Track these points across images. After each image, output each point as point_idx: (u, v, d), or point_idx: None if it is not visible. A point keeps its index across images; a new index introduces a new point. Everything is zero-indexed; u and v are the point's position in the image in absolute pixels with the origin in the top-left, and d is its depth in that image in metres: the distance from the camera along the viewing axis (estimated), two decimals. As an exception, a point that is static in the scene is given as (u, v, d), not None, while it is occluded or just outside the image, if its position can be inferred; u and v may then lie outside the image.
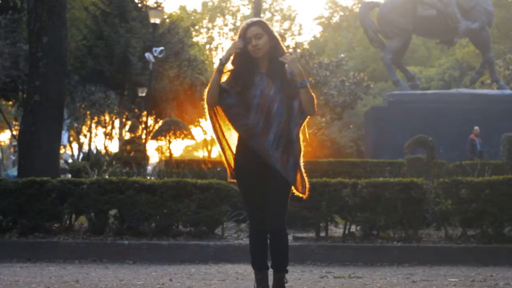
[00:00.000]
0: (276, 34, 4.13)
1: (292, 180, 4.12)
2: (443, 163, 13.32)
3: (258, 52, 4.07)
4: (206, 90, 4.14)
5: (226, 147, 4.25)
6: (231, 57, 4.12)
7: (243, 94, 4.09)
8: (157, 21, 23.72)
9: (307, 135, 4.27)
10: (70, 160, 26.61)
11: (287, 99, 4.09)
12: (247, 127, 4.09)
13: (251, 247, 4.25)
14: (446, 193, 6.99)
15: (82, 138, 47.66)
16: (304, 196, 4.26)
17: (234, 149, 4.22)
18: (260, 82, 4.10)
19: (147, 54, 23.45)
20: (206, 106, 4.17)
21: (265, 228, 4.15)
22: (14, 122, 37.68)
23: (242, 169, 4.16)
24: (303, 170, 4.20)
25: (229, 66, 4.15)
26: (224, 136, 4.25)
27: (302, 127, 4.18)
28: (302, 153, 4.18)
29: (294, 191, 4.25)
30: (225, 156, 4.25)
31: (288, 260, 4.21)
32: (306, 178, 4.23)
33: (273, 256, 4.17)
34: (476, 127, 18.64)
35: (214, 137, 4.29)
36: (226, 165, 4.25)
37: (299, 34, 63.57)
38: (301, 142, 4.20)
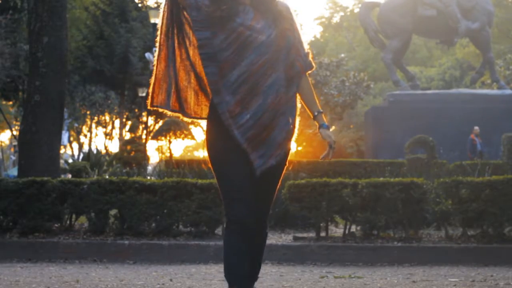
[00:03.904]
0: None
1: (259, 166, 3.09)
2: (443, 163, 13.33)
3: None
4: None
5: (162, 67, 3.26)
6: None
7: (221, 20, 3.12)
8: (158, 21, 23.74)
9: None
10: (70, 160, 26.61)
11: (281, 38, 3.19)
12: (207, 42, 3.11)
13: (231, 250, 3.15)
14: (447, 193, 6.99)
15: (82, 138, 47.74)
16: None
17: (173, 76, 3.24)
18: (243, 12, 3.16)
19: (147, 54, 23.50)
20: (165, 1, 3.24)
21: (253, 220, 3.14)
22: (14, 122, 37.72)
23: (218, 138, 3.16)
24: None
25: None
26: (172, 50, 3.25)
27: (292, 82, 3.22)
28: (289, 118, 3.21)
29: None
30: (156, 71, 3.26)
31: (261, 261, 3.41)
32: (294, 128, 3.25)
33: (251, 253, 3.24)
34: (476, 127, 18.64)
35: (157, 42, 3.27)
36: (151, 88, 3.25)
37: (299, 34, 63.49)
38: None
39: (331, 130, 3.37)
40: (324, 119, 3.28)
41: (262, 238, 3.34)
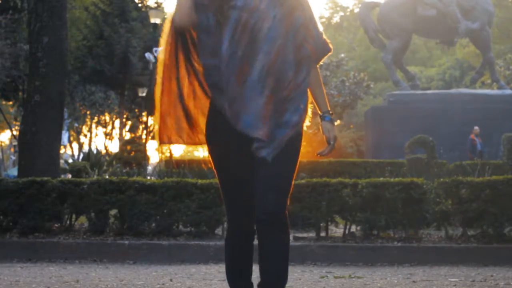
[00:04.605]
0: None
1: (269, 153, 2.74)
2: (443, 163, 13.32)
3: None
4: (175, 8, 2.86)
5: (166, 99, 2.90)
6: None
7: (220, 9, 2.79)
8: (158, 21, 23.78)
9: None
10: (70, 160, 26.61)
11: (289, 17, 2.81)
12: (214, 70, 2.80)
13: (226, 258, 2.98)
14: (447, 193, 6.99)
15: (82, 138, 47.74)
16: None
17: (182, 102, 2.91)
18: None
19: (147, 54, 23.51)
20: (169, 29, 2.88)
21: (246, 229, 2.92)
22: (14, 122, 37.72)
23: (217, 145, 2.90)
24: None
25: None
26: (177, 80, 2.90)
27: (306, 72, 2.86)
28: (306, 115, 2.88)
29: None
30: (160, 106, 2.89)
31: (287, 273, 2.84)
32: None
33: (263, 264, 2.80)
34: (476, 127, 18.64)
35: (157, 75, 2.91)
36: (157, 124, 2.91)
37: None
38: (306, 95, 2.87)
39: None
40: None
41: (279, 228, 2.80)
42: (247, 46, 2.75)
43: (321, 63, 2.99)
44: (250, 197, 2.83)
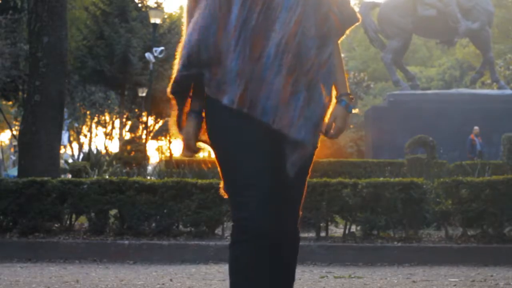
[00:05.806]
0: None
1: (304, 137, 2.32)
2: (443, 163, 13.33)
3: None
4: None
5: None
6: None
7: None
8: (158, 21, 23.77)
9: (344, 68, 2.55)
10: (70, 160, 26.61)
11: None
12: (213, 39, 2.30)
13: (239, 270, 2.28)
14: (447, 193, 6.99)
15: (82, 138, 47.75)
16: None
17: None
18: None
19: (147, 54, 23.49)
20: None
21: (272, 227, 2.25)
22: (14, 122, 37.76)
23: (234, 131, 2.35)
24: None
25: None
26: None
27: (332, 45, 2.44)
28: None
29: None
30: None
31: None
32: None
33: (276, 278, 2.38)
34: (476, 127, 18.65)
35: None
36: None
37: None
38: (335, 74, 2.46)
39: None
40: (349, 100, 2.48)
41: (297, 248, 2.48)
42: (260, 14, 2.29)
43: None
44: (271, 194, 2.28)
